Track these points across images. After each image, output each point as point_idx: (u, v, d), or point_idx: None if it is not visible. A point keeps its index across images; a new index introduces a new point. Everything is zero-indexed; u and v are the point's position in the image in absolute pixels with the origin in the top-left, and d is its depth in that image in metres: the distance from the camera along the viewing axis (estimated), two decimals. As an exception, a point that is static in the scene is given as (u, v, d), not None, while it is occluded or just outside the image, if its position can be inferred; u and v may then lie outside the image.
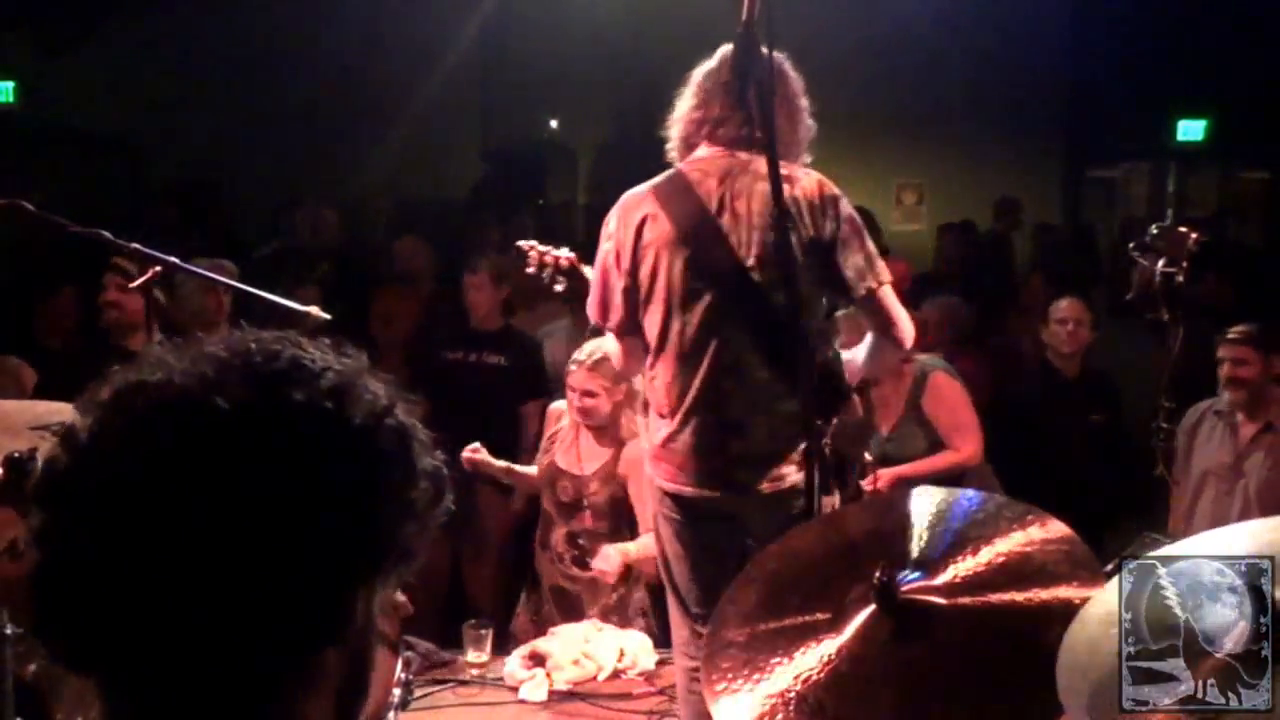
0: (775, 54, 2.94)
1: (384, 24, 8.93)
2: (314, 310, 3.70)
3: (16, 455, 1.99)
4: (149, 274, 3.06)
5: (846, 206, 2.99)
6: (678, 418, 2.96)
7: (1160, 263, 3.88)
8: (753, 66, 2.80)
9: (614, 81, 10.10)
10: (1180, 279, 3.87)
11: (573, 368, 4.01)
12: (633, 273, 2.99)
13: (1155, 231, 3.96)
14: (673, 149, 3.13)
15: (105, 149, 8.93)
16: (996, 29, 8.85)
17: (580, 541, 4.01)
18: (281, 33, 8.74)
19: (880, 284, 2.98)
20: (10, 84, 9.18)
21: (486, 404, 5.27)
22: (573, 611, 3.93)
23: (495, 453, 5.29)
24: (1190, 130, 10.62)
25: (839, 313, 3.85)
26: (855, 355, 3.16)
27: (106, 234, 2.97)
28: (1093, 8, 9.55)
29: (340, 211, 7.71)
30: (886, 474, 4.20)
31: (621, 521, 4.03)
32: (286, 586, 0.95)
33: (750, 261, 2.91)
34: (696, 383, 2.94)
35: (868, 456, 4.22)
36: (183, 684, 0.97)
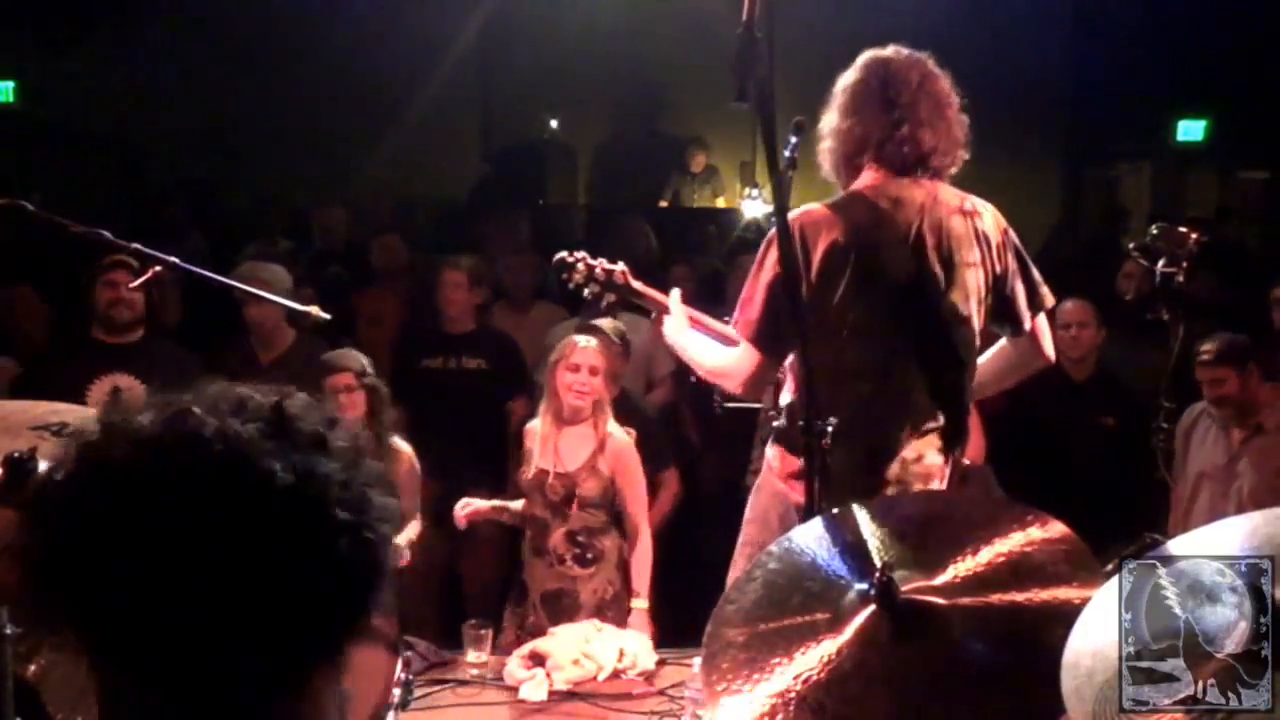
0: (919, 54, 2.97)
1: (384, 24, 8.92)
2: (314, 310, 3.70)
3: (16, 455, 1.99)
4: (149, 274, 3.06)
5: (1014, 236, 3.05)
6: (834, 438, 2.84)
7: (1160, 263, 3.88)
8: (753, 66, 2.79)
9: (614, 81, 10.09)
10: (1180, 279, 3.88)
11: (585, 344, 3.99)
12: (815, 296, 2.84)
13: (1155, 231, 3.96)
14: (827, 165, 3.04)
15: (105, 149, 8.93)
16: (996, 29, 8.85)
17: (580, 539, 4.01)
18: (281, 33, 8.74)
19: (1042, 309, 3.06)
20: (10, 84, 9.18)
21: (470, 408, 5.26)
22: (566, 615, 3.94)
23: (487, 454, 5.29)
24: (1190, 130, 10.62)
25: None
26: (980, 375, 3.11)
27: (106, 234, 2.97)
28: (1093, 8, 9.55)
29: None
30: None
31: (613, 513, 4.06)
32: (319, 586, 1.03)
33: (940, 298, 2.89)
34: (866, 407, 2.86)
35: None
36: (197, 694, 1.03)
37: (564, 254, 3.39)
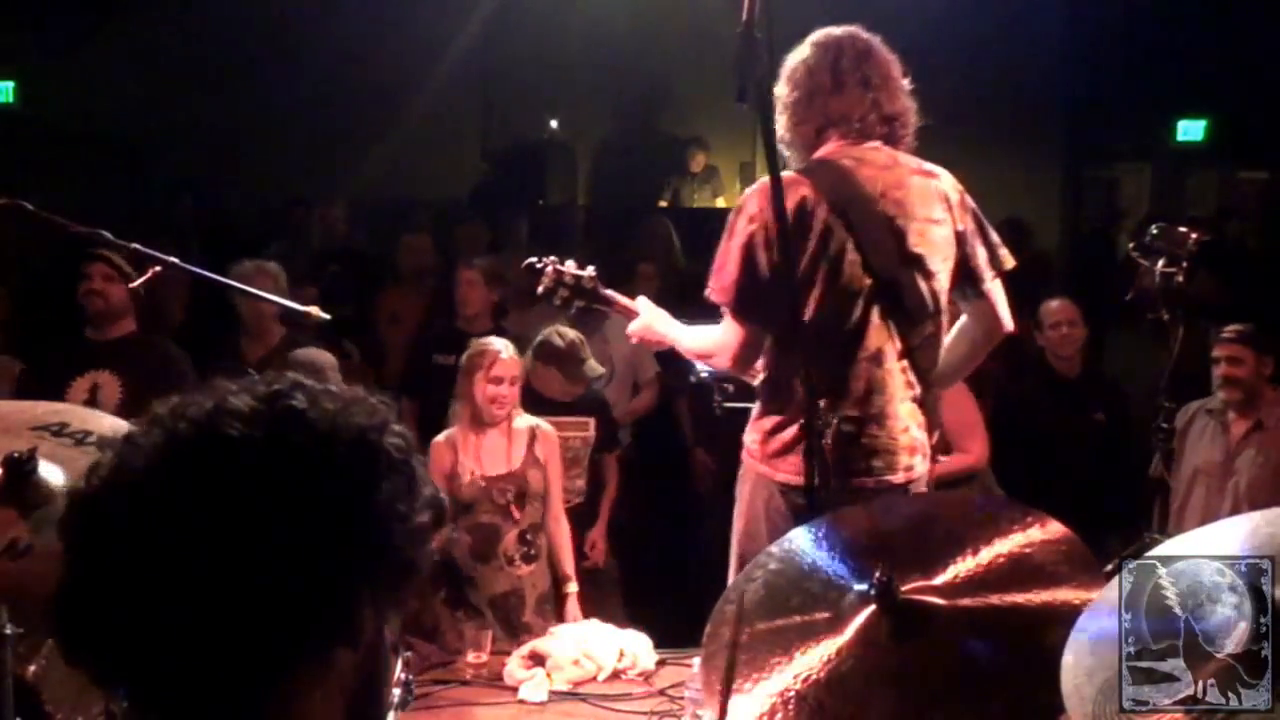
0: (865, 33, 3.00)
1: (384, 24, 8.92)
2: (314, 310, 3.70)
3: (16, 455, 1.99)
4: (149, 274, 3.06)
5: (970, 198, 3.07)
6: (814, 408, 2.76)
7: (1160, 263, 3.88)
8: (753, 66, 2.79)
9: (614, 81, 10.08)
10: (1180, 279, 3.88)
11: (506, 357, 4.06)
12: (787, 257, 2.77)
13: (1155, 231, 3.96)
14: (790, 139, 3.03)
15: (105, 149, 8.93)
16: (996, 29, 8.85)
17: (528, 536, 4.09)
18: (281, 33, 8.73)
19: (1002, 270, 3.06)
20: (10, 84, 9.18)
21: None
22: (515, 614, 4.03)
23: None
24: (1190, 130, 10.61)
25: None
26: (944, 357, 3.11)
27: (106, 234, 2.97)
28: (1092, 8, 9.54)
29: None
30: None
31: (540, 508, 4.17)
32: (290, 585, 1.05)
33: (910, 251, 2.90)
34: (847, 371, 2.87)
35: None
36: (197, 674, 1.05)
37: (533, 259, 3.33)
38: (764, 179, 2.88)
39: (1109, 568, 1.59)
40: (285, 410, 1.08)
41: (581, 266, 3.30)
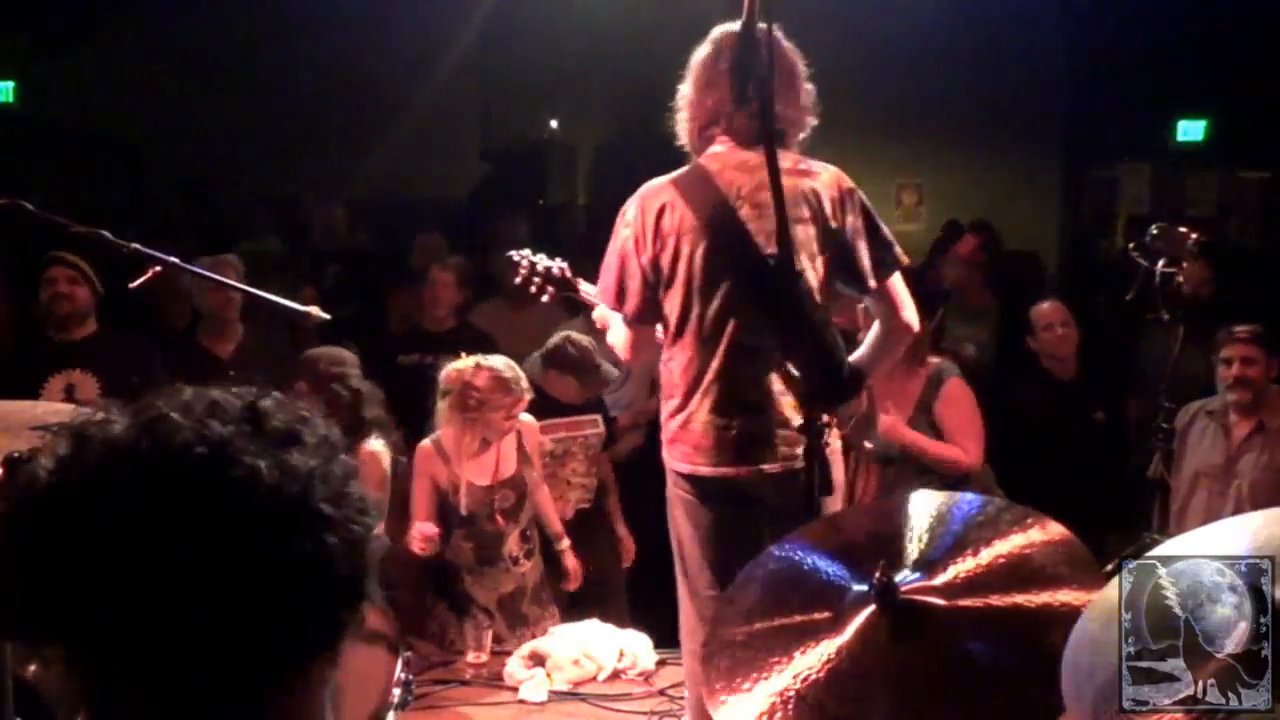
0: (756, 28, 2.98)
1: (384, 24, 8.92)
2: (314, 310, 3.70)
3: (16, 455, 1.99)
4: (149, 274, 3.06)
5: (862, 198, 3.10)
6: (694, 399, 3.02)
7: (1160, 263, 3.89)
8: (753, 64, 2.80)
9: (614, 81, 10.08)
10: (1180, 279, 3.88)
11: (527, 391, 4.08)
12: (653, 259, 3.03)
13: (1155, 231, 3.97)
14: (685, 137, 3.16)
15: (105, 149, 8.93)
16: (996, 29, 8.85)
17: (528, 533, 4.14)
18: (281, 33, 8.74)
19: (893, 271, 3.09)
20: (10, 84, 9.18)
21: None
22: (518, 607, 4.06)
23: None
24: (1190, 130, 10.62)
25: None
26: (858, 351, 3.20)
27: (106, 234, 2.97)
28: (1092, 7, 9.54)
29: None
30: (893, 425, 4.24)
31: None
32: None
33: (769, 251, 2.95)
34: (714, 364, 3.00)
35: (868, 445, 4.25)
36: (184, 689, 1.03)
37: (511, 253, 3.64)
38: (645, 185, 3.10)
39: (1109, 568, 1.59)
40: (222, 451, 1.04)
41: (551, 258, 3.59)
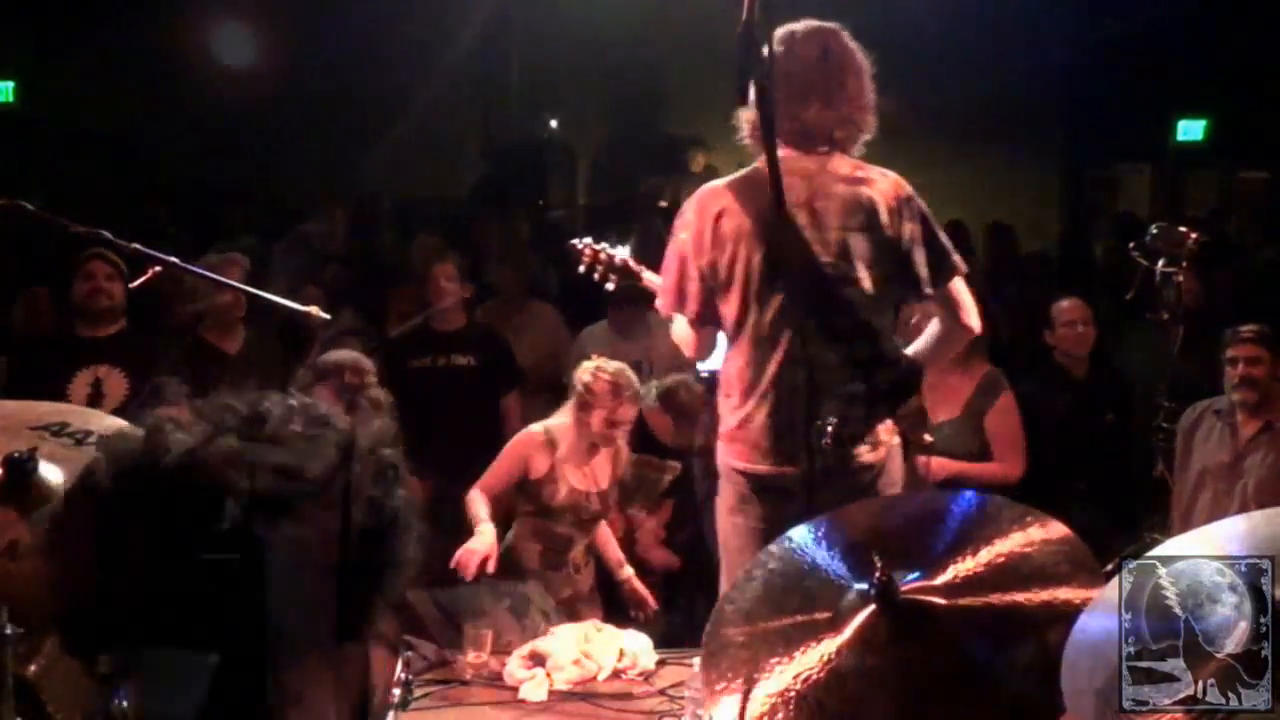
0: (835, 27, 3.08)
1: (384, 24, 8.92)
2: (314, 310, 3.70)
3: (16, 455, 1.99)
4: (149, 274, 3.06)
5: (920, 205, 3.13)
6: (752, 400, 3.05)
7: (1160, 263, 3.89)
8: (753, 65, 2.80)
9: (614, 81, 10.09)
10: (1180, 279, 3.88)
11: (624, 400, 4.04)
12: (711, 263, 3.05)
13: (1155, 231, 3.96)
14: (749, 141, 3.14)
15: (105, 149, 8.93)
16: (996, 29, 8.85)
17: (590, 545, 4.18)
18: (281, 33, 8.74)
19: (953, 276, 3.13)
20: (10, 84, 9.18)
21: (461, 407, 5.25)
22: (579, 615, 4.04)
23: (478, 452, 5.30)
24: (1190, 130, 10.62)
25: None
26: (915, 345, 3.26)
27: (106, 234, 2.98)
28: (1092, 7, 9.54)
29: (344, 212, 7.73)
30: (940, 464, 4.27)
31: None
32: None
33: (825, 258, 3.00)
34: (771, 368, 3.03)
35: (928, 438, 4.26)
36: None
37: (574, 240, 3.64)
38: (703, 188, 3.14)
39: (1109, 568, 1.59)
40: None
41: (613, 246, 3.59)
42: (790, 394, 3.01)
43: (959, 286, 3.16)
